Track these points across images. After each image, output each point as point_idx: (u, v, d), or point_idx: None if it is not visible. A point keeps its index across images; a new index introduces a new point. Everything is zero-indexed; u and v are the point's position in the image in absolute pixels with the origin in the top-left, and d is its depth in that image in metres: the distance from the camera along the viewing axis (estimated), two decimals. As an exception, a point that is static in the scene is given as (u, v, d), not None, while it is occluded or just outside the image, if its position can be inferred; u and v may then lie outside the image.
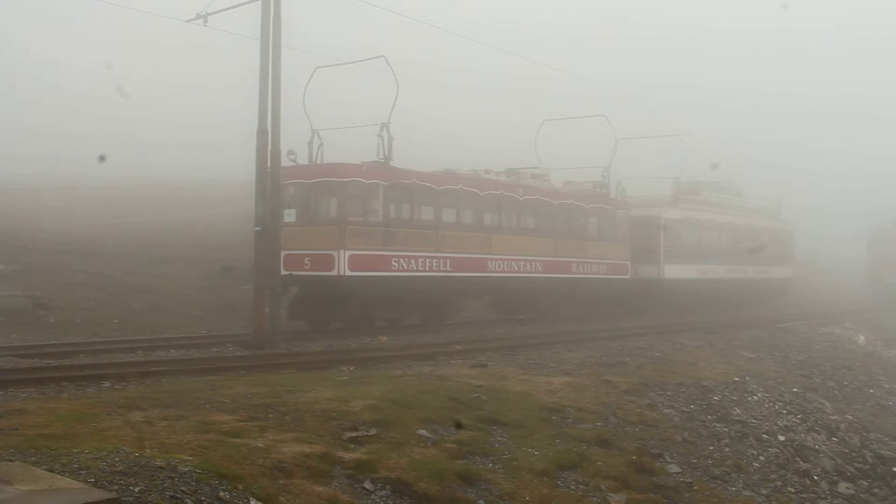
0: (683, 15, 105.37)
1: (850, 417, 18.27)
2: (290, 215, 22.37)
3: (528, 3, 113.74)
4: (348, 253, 21.64)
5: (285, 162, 20.86)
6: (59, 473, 7.44)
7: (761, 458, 14.44)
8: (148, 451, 8.45)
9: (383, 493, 9.19)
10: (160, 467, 7.90)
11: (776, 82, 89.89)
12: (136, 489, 7.37)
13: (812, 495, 13.74)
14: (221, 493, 7.82)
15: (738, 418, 15.70)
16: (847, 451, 16.19)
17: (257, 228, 19.55)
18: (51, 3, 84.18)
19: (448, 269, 24.35)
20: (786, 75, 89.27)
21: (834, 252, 57.68)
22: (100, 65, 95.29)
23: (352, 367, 16.45)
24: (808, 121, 75.48)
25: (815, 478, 14.39)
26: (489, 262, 25.91)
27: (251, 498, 8.00)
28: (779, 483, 13.72)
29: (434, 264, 23.94)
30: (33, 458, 7.90)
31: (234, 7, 20.56)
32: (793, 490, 13.67)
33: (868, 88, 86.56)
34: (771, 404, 17.23)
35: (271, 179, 19.66)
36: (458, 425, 11.77)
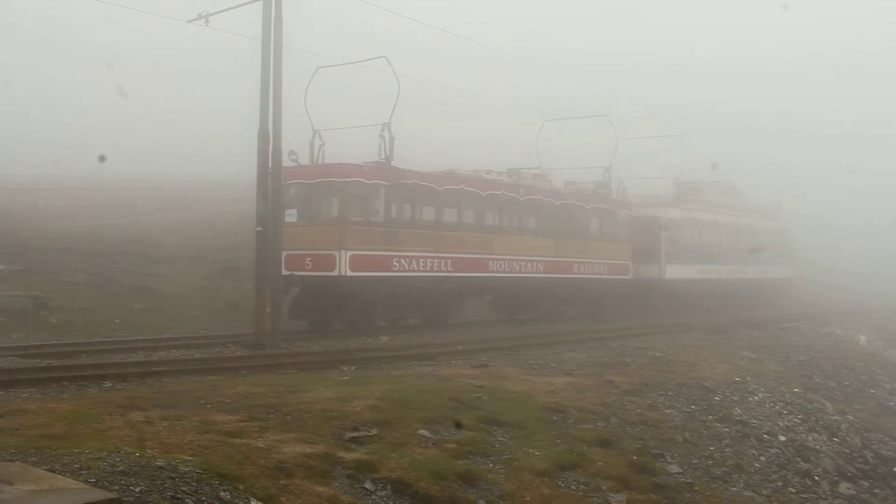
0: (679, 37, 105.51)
1: (851, 418, 18.27)
2: (291, 215, 22.37)
3: (530, 10, 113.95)
4: (349, 253, 21.64)
5: (287, 162, 20.87)
6: (59, 473, 7.45)
7: (762, 458, 14.43)
8: (149, 451, 8.45)
9: (384, 493, 9.20)
10: (161, 467, 7.91)
11: (777, 103, 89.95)
12: (137, 489, 7.37)
13: (813, 496, 13.74)
14: (222, 494, 7.82)
15: (738, 418, 15.70)
16: (848, 451, 16.19)
17: (258, 229, 19.56)
18: (51, 3, 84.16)
19: (449, 269, 24.35)
20: (787, 96, 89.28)
21: (829, 259, 57.88)
22: (100, 65, 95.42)
23: (353, 368, 16.45)
24: (808, 139, 75.60)
25: (816, 478, 14.39)
26: (490, 263, 25.91)
27: (252, 498, 8.01)
28: (780, 483, 13.72)
29: (435, 264, 23.93)
30: (34, 458, 7.90)
31: (235, 7, 20.58)
32: (794, 490, 13.68)
33: (867, 110, 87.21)
34: (772, 404, 17.22)
35: (273, 180, 19.68)
36: (459, 425, 11.78)
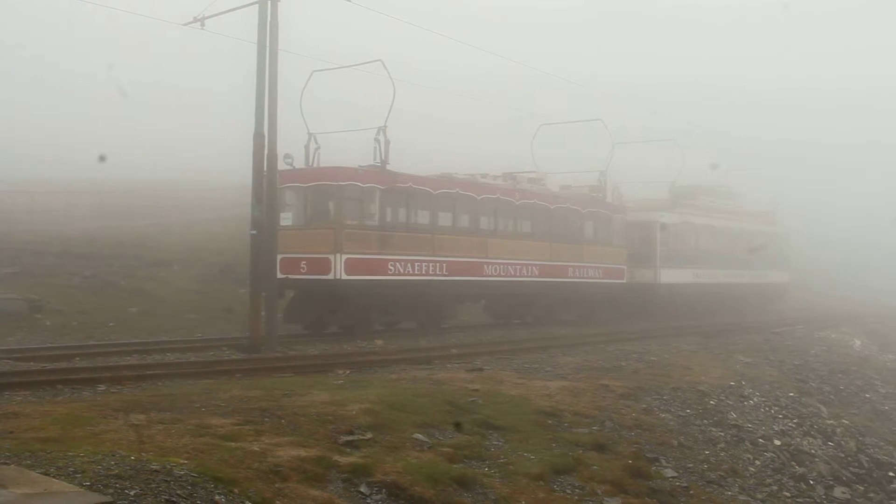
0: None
1: (846, 422, 18.30)
2: (286, 219, 22.38)
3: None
4: (344, 257, 21.62)
5: (282, 165, 20.87)
6: (54, 477, 7.43)
7: (757, 462, 14.44)
8: (143, 454, 8.44)
9: (379, 497, 9.18)
10: (156, 471, 7.89)
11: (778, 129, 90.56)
12: (132, 493, 7.35)
13: (808, 500, 13.76)
14: (217, 497, 7.81)
15: (733, 423, 15.71)
16: (843, 455, 16.21)
17: (253, 232, 19.55)
18: (50, 2, 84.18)
19: (444, 273, 24.35)
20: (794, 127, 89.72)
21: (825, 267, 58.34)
22: (99, 66, 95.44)
23: (348, 371, 16.45)
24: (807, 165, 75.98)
25: (811, 482, 14.41)
26: (485, 266, 25.91)
27: (247, 502, 7.99)
28: (775, 488, 13.73)
29: (430, 268, 23.94)
30: (28, 462, 7.88)
31: (230, 10, 20.56)
32: (789, 494, 13.69)
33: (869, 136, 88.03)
34: (767, 409, 17.24)
35: (268, 183, 19.67)
36: (457, 425, 11.79)
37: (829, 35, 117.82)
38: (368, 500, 9.09)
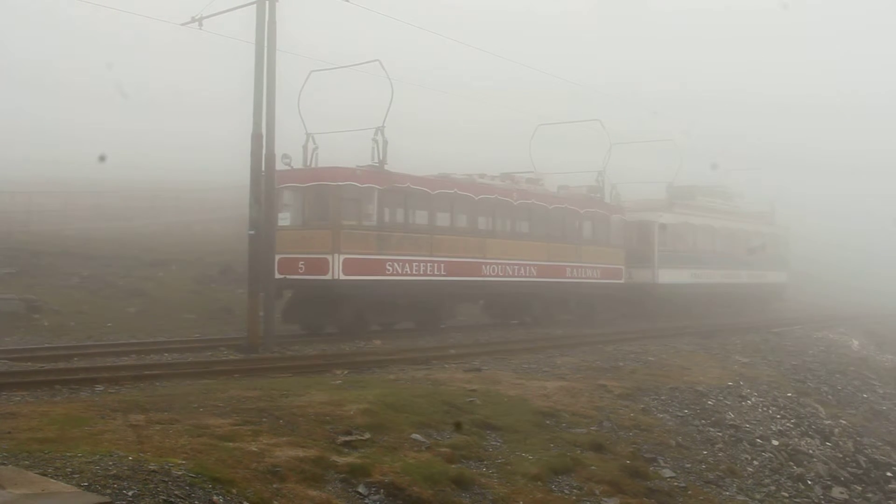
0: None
1: (844, 422, 18.30)
2: (284, 219, 22.37)
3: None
4: (342, 257, 21.62)
5: (280, 166, 20.87)
6: (52, 477, 7.43)
7: (755, 462, 14.45)
8: (141, 454, 8.43)
9: (377, 497, 9.19)
10: (153, 471, 7.89)
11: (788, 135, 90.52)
12: (130, 493, 7.35)
13: (806, 500, 13.76)
14: (215, 498, 7.81)
15: (731, 423, 15.72)
16: (841, 455, 16.21)
17: (251, 232, 19.56)
18: (50, 2, 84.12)
19: (442, 273, 24.35)
20: (796, 129, 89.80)
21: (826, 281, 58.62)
22: (97, 66, 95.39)
23: (346, 371, 16.44)
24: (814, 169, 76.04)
25: (809, 482, 14.41)
26: (483, 267, 25.92)
27: (245, 502, 7.99)
28: (772, 488, 13.74)
29: (428, 268, 23.94)
30: (26, 462, 7.88)
31: (229, 10, 20.56)
32: (786, 495, 13.69)
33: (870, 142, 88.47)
34: (765, 409, 17.25)
35: (266, 183, 19.67)
36: (458, 425, 11.80)
37: (829, 40, 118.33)
38: (366, 501, 9.09)
